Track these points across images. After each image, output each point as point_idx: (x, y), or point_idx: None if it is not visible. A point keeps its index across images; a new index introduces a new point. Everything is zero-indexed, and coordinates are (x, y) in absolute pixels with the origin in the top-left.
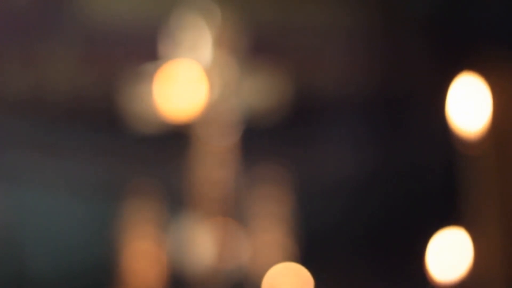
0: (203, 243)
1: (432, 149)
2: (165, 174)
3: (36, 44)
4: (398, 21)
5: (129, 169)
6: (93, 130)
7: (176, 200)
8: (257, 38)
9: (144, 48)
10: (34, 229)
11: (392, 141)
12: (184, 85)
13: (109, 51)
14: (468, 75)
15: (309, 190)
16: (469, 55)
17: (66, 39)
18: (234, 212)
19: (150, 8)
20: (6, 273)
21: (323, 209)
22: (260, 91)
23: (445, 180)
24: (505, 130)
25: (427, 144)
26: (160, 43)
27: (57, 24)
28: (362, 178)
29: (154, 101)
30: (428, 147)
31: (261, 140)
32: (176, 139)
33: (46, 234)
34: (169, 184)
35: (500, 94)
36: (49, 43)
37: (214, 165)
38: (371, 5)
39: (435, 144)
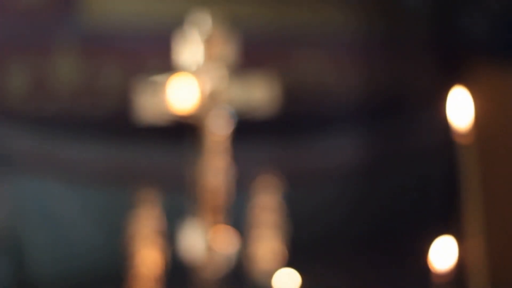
0: (200, 236)
1: (429, 146)
2: (168, 165)
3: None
4: (394, 20)
5: (136, 160)
6: (102, 122)
7: (178, 190)
8: (253, 41)
9: (151, 50)
10: (39, 219)
11: (389, 139)
12: (183, 84)
13: (119, 50)
14: (462, 76)
15: (304, 189)
16: (462, 59)
17: (78, 38)
18: (230, 208)
19: (153, 15)
20: (10, 261)
21: (318, 207)
22: (257, 90)
23: (442, 175)
24: (493, 123)
25: (424, 143)
26: (164, 45)
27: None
28: (360, 174)
29: (160, 97)
30: (426, 146)
31: (255, 135)
32: (178, 131)
33: (51, 224)
34: (171, 175)
35: (489, 94)
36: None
37: (212, 154)
38: (368, 13)
39: (432, 140)
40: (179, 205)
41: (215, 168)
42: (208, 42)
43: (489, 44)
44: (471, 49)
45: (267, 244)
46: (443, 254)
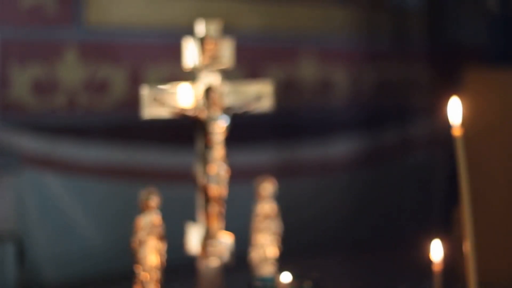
0: (201, 232)
1: (427, 145)
2: (169, 164)
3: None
4: (393, 23)
5: (138, 159)
6: (105, 122)
7: (180, 188)
8: (252, 42)
9: (152, 54)
10: (41, 217)
11: (388, 138)
12: (184, 85)
13: (120, 54)
14: (458, 78)
15: (303, 188)
16: (458, 62)
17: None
18: (229, 206)
19: (153, 21)
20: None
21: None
22: (256, 90)
23: (440, 174)
24: (488, 122)
25: (422, 142)
26: (165, 49)
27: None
28: (360, 172)
29: (162, 98)
30: (424, 144)
31: (255, 134)
32: (179, 131)
33: (53, 222)
34: (173, 173)
35: (484, 95)
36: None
37: (212, 152)
38: (368, 17)
39: (429, 140)
40: (181, 202)
41: (215, 166)
42: (207, 44)
43: (484, 49)
44: (467, 53)
45: (266, 243)
46: (440, 245)
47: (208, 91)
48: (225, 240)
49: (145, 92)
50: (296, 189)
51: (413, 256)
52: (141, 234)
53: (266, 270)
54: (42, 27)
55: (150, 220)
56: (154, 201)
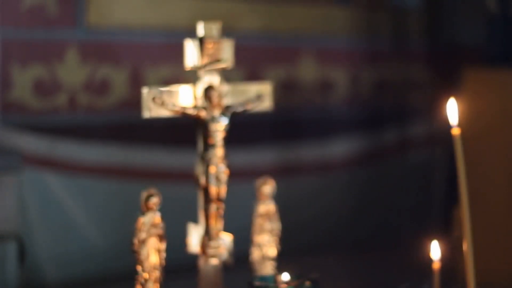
0: (201, 232)
1: (427, 144)
2: (170, 164)
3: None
4: (393, 23)
5: (139, 159)
6: (106, 122)
7: (180, 188)
8: (252, 42)
9: (153, 55)
10: (41, 216)
11: (387, 138)
12: (184, 86)
13: (120, 56)
14: (457, 79)
15: (303, 189)
16: (458, 63)
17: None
18: (229, 206)
19: (153, 23)
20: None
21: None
22: (256, 90)
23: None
24: (477, 118)
25: (422, 141)
26: (166, 51)
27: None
28: (360, 172)
29: (162, 99)
30: (423, 143)
31: (254, 135)
32: (179, 132)
33: (54, 222)
34: (174, 173)
35: (482, 96)
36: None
37: (212, 152)
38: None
39: (429, 139)
40: (181, 202)
41: (215, 166)
42: (207, 45)
43: (483, 49)
44: (466, 53)
45: (266, 243)
46: (439, 245)
47: (208, 91)
48: (225, 240)
49: (145, 92)
50: (296, 189)
51: (413, 256)
52: (141, 234)
53: (266, 270)
54: (43, 27)
55: (150, 220)
56: (154, 201)
